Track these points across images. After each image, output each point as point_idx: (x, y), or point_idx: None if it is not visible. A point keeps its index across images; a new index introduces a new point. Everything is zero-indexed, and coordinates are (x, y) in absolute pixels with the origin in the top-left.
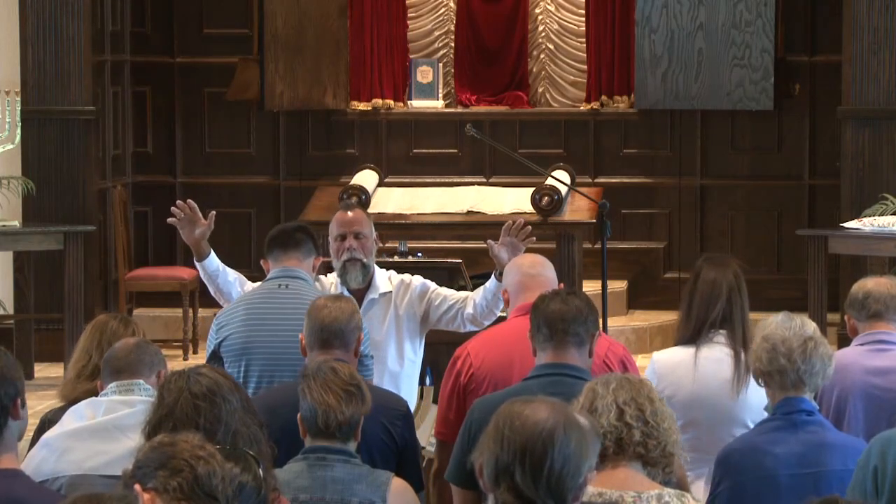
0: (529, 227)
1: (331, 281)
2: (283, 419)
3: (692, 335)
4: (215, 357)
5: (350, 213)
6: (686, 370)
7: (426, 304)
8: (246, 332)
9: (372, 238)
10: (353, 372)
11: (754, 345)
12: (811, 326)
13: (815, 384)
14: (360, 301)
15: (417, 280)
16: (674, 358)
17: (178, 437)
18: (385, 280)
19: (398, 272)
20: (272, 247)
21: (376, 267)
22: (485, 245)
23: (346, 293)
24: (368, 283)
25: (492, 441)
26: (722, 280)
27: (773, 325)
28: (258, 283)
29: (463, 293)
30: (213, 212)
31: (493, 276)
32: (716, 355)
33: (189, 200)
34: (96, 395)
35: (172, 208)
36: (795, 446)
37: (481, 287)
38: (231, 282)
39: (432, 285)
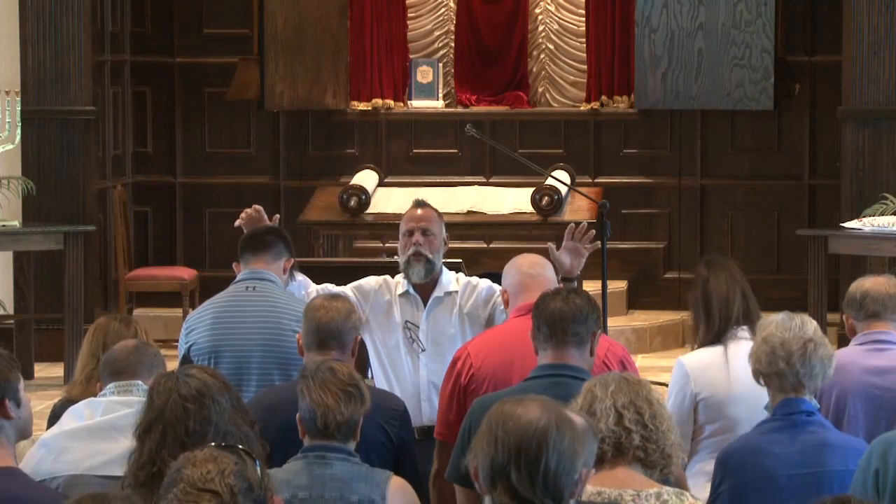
0: (593, 232)
1: (396, 281)
2: (280, 418)
3: (716, 335)
4: (186, 361)
5: (419, 211)
6: (719, 370)
7: (491, 308)
8: (214, 335)
9: (441, 237)
10: (352, 372)
11: (754, 345)
12: (811, 327)
13: (815, 386)
14: (425, 300)
15: (484, 283)
16: (703, 359)
17: (182, 457)
18: (452, 280)
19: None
20: (243, 250)
21: (444, 268)
22: (485, 245)
23: (411, 292)
24: (434, 282)
25: (485, 443)
26: (732, 279)
27: (773, 325)
28: (230, 285)
29: None
30: (277, 215)
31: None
32: (745, 351)
33: (256, 206)
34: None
35: (243, 213)
36: (796, 446)
37: None
38: (294, 285)
39: (498, 289)
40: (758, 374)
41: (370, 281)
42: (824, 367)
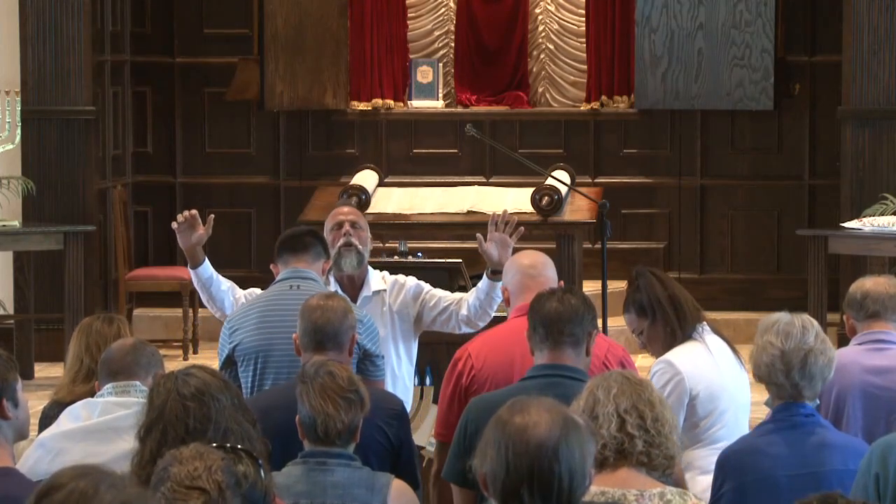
0: (516, 218)
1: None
2: (275, 421)
3: (686, 334)
4: (230, 361)
5: (346, 208)
6: (707, 365)
7: (420, 305)
8: (261, 335)
9: (368, 233)
10: (350, 376)
11: (755, 347)
12: (812, 332)
13: (815, 392)
14: (353, 299)
15: (412, 281)
16: (691, 357)
17: (169, 455)
18: (378, 279)
19: (394, 273)
20: (282, 251)
21: (370, 267)
22: None
23: (339, 292)
24: (362, 281)
25: (495, 462)
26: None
27: (773, 331)
28: (271, 286)
29: (457, 294)
30: (212, 215)
31: (484, 274)
32: (718, 342)
33: (193, 210)
34: (93, 396)
35: (178, 216)
36: (795, 447)
37: (475, 288)
38: (224, 290)
39: (426, 286)
40: (757, 378)
41: None
42: (824, 374)
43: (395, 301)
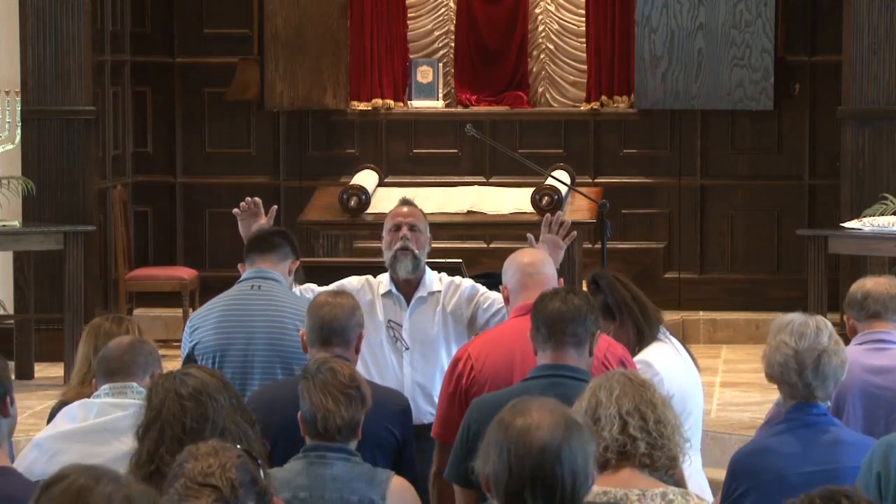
0: (569, 222)
1: (379, 281)
2: (282, 415)
3: (654, 333)
4: (190, 360)
5: (406, 208)
6: (680, 367)
7: (474, 307)
8: (219, 334)
9: (426, 235)
10: (352, 373)
11: (767, 348)
12: (825, 333)
13: (827, 392)
14: (408, 299)
15: (467, 282)
16: (664, 358)
17: (186, 450)
18: (435, 280)
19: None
20: (249, 250)
21: (427, 268)
22: (485, 245)
23: (394, 291)
24: (418, 282)
25: (497, 464)
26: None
27: (787, 331)
28: (235, 285)
29: None
30: (275, 206)
31: None
32: (678, 345)
33: (256, 197)
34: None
35: (241, 203)
36: (808, 445)
37: None
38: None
39: (481, 288)
40: (769, 378)
41: (352, 281)
42: (837, 375)
43: (450, 302)
